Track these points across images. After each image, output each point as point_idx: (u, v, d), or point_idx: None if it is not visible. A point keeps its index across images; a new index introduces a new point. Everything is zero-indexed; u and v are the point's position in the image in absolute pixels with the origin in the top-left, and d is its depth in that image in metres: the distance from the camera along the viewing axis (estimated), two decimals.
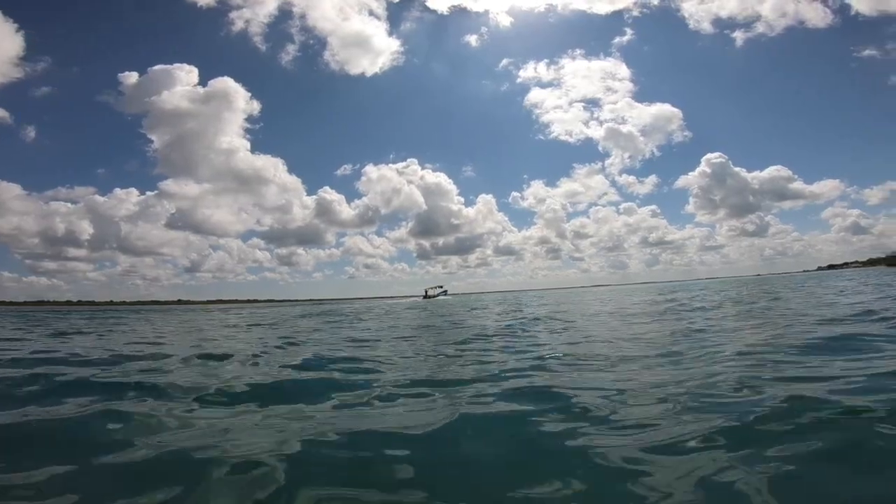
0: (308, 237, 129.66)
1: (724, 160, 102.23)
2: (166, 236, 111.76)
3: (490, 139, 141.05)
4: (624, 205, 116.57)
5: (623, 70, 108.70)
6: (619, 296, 29.14)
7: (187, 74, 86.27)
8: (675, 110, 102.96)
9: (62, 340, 10.56)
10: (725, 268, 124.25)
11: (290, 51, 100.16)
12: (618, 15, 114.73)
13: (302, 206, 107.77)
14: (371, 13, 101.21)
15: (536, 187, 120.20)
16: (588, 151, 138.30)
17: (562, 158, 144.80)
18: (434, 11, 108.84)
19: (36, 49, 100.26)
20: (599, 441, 2.69)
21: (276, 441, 2.82)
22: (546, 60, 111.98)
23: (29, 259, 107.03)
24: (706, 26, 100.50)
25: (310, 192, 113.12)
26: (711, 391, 3.51)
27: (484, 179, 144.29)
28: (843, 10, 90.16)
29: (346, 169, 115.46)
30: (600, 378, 4.36)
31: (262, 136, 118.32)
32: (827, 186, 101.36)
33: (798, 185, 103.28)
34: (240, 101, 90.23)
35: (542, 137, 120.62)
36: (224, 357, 6.47)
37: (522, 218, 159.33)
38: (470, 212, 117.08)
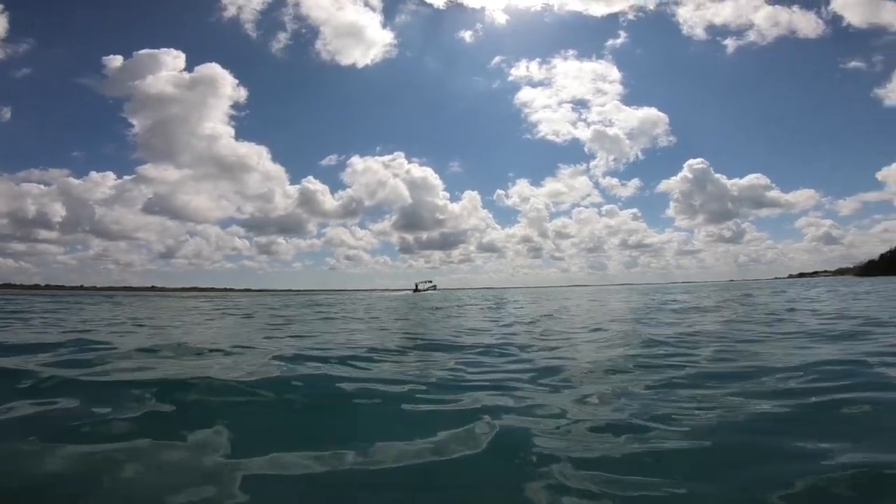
0: (289, 226, 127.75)
1: (705, 166, 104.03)
2: (142, 221, 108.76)
3: (478, 136, 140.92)
4: (606, 207, 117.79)
5: (614, 72, 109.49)
6: (611, 297, 29.03)
7: (174, 59, 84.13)
8: (662, 115, 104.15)
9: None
10: (701, 272, 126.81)
11: (282, 39, 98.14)
12: (613, 18, 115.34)
13: (284, 195, 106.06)
14: (366, 4, 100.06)
15: (521, 186, 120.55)
16: (574, 152, 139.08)
17: (548, 158, 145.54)
18: (430, 6, 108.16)
19: (20, 31, 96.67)
20: None
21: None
22: (538, 60, 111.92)
23: None
24: (699, 32, 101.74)
25: (293, 181, 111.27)
26: None
27: (470, 176, 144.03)
28: (834, 22, 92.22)
29: (331, 159, 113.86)
30: None
31: (247, 123, 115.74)
32: (803, 196, 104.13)
33: (775, 193, 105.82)
34: (226, 87, 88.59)
35: (529, 136, 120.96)
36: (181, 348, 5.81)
37: (506, 216, 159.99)
38: (455, 207, 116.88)
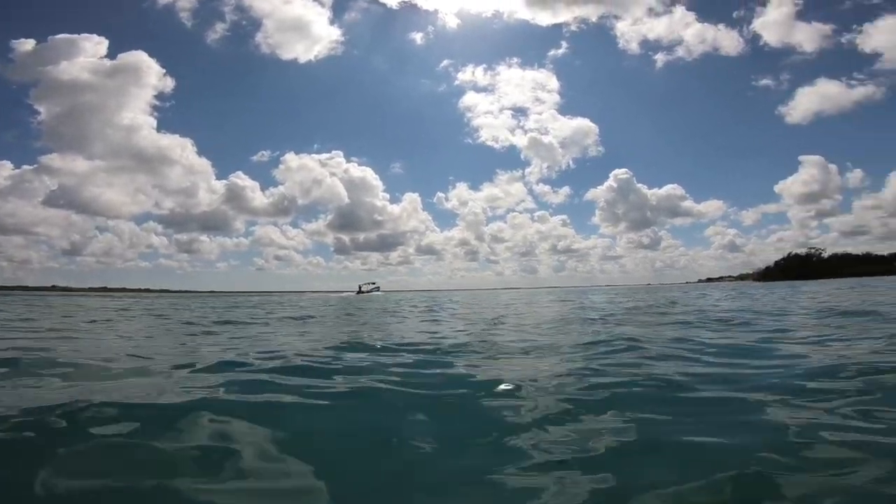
0: (214, 224, 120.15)
1: (629, 176, 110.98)
2: (42, 214, 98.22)
3: (421, 138, 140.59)
4: (538, 213, 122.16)
5: (553, 82, 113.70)
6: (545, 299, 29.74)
7: (95, 46, 77.86)
8: (593, 125, 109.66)
9: None
10: (622, 277, 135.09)
11: (219, 29, 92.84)
12: (557, 28, 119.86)
13: (209, 191, 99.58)
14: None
15: (461, 189, 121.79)
16: (511, 159, 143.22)
17: (487, 163, 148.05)
18: (383, 5, 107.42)
19: None
20: None
21: None
22: (484, 65, 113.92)
23: None
24: (634, 46, 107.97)
25: (220, 176, 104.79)
26: None
27: (411, 178, 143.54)
28: (753, 40, 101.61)
29: (263, 155, 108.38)
30: None
31: (171, 114, 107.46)
32: (712, 206, 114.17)
33: (689, 203, 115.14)
34: (151, 76, 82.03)
35: (470, 141, 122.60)
36: None
37: (445, 219, 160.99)
38: (395, 209, 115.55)
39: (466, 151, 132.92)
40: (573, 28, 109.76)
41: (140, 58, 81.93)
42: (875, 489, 1.74)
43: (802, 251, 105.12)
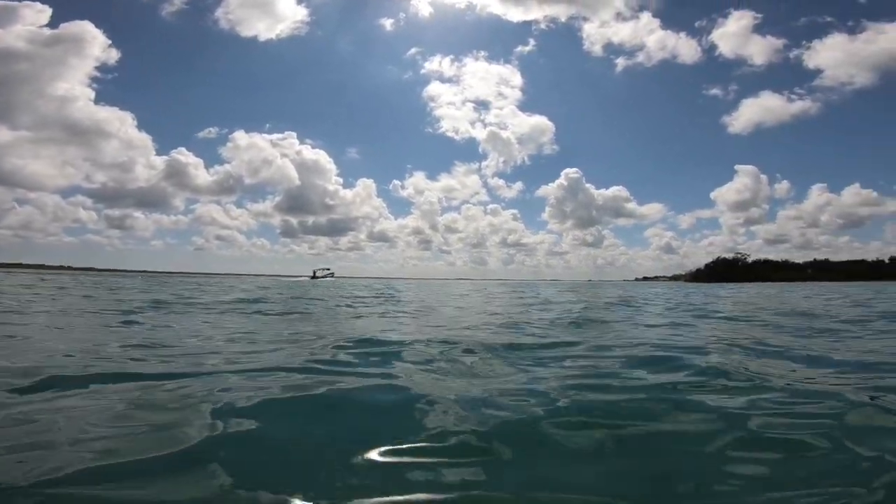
0: (150, 200, 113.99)
1: (578, 176, 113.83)
2: None
3: (381, 125, 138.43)
4: (491, 206, 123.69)
5: (517, 78, 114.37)
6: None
7: (36, 14, 75.08)
8: (550, 124, 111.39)
9: None
10: (566, 272, 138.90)
11: (177, 2, 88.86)
12: (527, 25, 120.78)
13: (148, 166, 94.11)
14: None
15: (418, 178, 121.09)
16: (469, 151, 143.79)
17: (445, 154, 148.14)
18: None
19: None
20: None
21: None
22: (452, 56, 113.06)
23: None
24: (597, 49, 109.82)
25: (161, 151, 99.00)
26: None
27: (367, 163, 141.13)
28: (710, 50, 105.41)
29: (210, 132, 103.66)
30: None
31: (113, 87, 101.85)
32: (654, 209, 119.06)
33: (632, 205, 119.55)
34: (94, 48, 76.99)
35: (430, 130, 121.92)
36: None
37: (400, 206, 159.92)
38: (348, 194, 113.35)
39: (426, 141, 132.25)
40: (542, 26, 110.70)
41: (84, 28, 78.94)
42: None
43: (730, 256, 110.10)
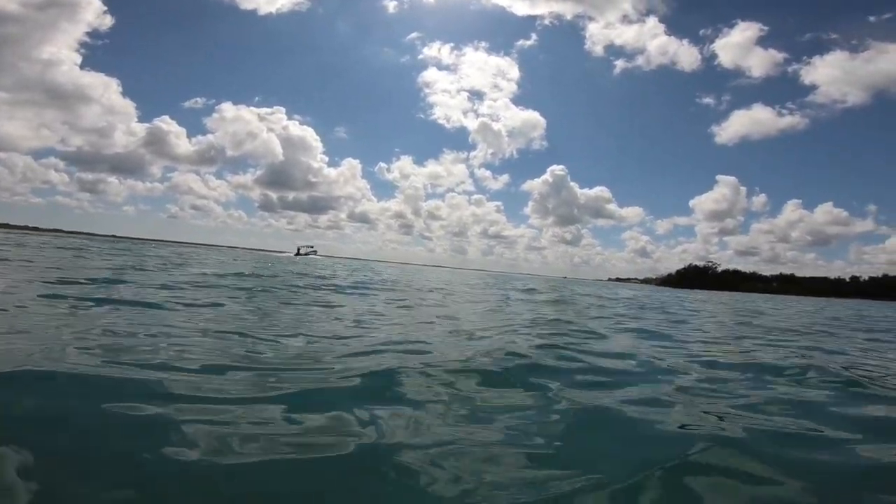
0: (126, 166, 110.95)
1: (564, 173, 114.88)
2: None
3: (372, 106, 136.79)
4: (476, 196, 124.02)
5: (514, 72, 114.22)
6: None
7: None
8: (542, 119, 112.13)
9: None
10: (543, 267, 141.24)
11: None
12: (531, 20, 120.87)
13: (128, 133, 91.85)
14: None
15: (405, 162, 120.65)
16: (459, 140, 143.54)
17: (435, 140, 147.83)
18: None
19: None
20: None
21: None
22: (452, 44, 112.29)
23: None
24: (598, 49, 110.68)
25: (144, 119, 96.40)
26: None
27: (355, 144, 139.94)
28: (709, 59, 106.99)
29: (197, 102, 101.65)
30: None
31: (101, 53, 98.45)
32: (633, 212, 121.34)
33: (613, 206, 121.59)
34: (88, 13, 74.49)
35: (422, 116, 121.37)
36: None
37: (384, 189, 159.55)
38: (332, 172, 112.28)
39: (417, 126, 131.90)
40: (546, 22, 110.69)
41: None
42: None
43: (701, 263, 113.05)
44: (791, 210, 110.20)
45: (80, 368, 2.47)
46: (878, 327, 11.30)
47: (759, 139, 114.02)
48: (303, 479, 1.60)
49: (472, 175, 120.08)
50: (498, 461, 1.83)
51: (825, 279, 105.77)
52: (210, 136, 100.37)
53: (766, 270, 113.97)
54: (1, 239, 26.09)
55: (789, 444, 2.17)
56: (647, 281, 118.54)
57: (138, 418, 1.94)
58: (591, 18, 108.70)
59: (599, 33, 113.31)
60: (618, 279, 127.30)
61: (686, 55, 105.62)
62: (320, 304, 7.44)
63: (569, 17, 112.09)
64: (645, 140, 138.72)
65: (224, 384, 2.51)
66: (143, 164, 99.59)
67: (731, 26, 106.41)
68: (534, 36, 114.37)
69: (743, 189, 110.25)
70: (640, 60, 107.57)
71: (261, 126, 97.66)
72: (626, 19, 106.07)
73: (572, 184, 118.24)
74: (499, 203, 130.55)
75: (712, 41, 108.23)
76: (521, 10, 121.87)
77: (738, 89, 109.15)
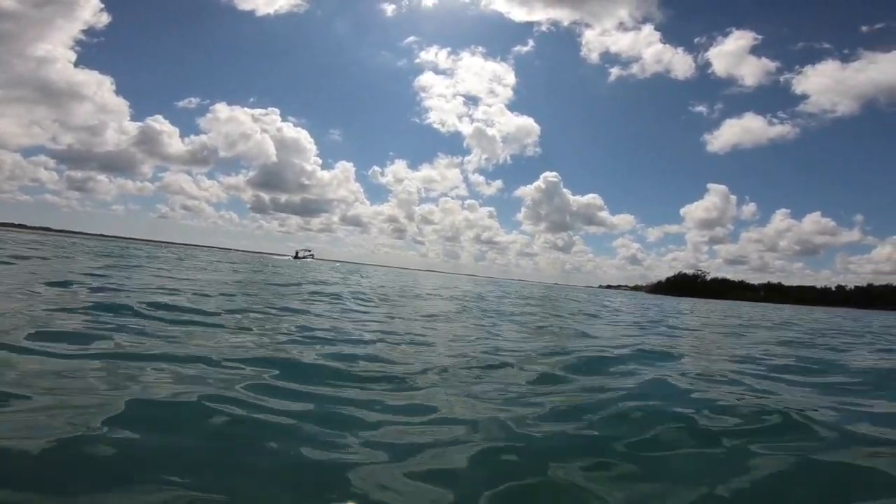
0: (117, 165, 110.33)
1: (557, 180, 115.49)
2: None
3: (368, 109, 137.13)
4: (469, 201, 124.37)
5: (511, 77, 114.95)
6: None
7: None
8: (536, 126, 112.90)
9: None
10: (534, 273, 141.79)
11: None
12: (528, 26, 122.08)
13: (119, 131, 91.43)
14: None
15: (399, 166, 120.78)
16: (454, 144, 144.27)
17: (429, 145, 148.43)
18: None
19: None
20: None
21: None
22: (449, 49, 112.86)
23: None
24: (594, 56, 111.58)
25: (137, 118, 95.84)
26: None
27: (349, 147, 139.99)
28: (704, 67, 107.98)
29: (191, 102, 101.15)
30: None
31: (97, 51, 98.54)
32: (624, 220, 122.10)
33: (605, 214, 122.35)
34: (85, 11, 74.68)
35: (417, 120, 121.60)
36: None
37: (378, 193, 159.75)
38: (325, 175, 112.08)
39: (412, 130, 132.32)
40: (543, 29, 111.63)
41: None
42: None
43: (691, 272, 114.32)
44: (780, 219, 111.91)
45: None
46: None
47: (750, 148, 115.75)
48: None
49: (465, 180, 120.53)
50: None
51: (812, 288, 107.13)
52: (203, 137, 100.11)
53: (755, 279, 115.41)
54: None
55: None
56: (636, 288, 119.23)
57: None
58: (587, 25, 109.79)
59: (596, 40, 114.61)
60: (608, 286, 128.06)
61: (680, 63, 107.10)
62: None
63: (566, 23, 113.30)
64: (638, 148, 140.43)
65: None
66: (135, 163, 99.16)
67: (726, 35, 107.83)
68: (531, 42, 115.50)
69: (733, 198, 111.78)
70: (635, 68, 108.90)
71: (255, 127, 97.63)
72: (622, 27, 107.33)
73: (565, 190, 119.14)
74: (492, 209, 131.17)
75: (706, 49, 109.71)
76: (519, 16, 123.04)
77: (731, 98, 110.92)
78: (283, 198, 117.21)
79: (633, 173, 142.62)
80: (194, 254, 34.20)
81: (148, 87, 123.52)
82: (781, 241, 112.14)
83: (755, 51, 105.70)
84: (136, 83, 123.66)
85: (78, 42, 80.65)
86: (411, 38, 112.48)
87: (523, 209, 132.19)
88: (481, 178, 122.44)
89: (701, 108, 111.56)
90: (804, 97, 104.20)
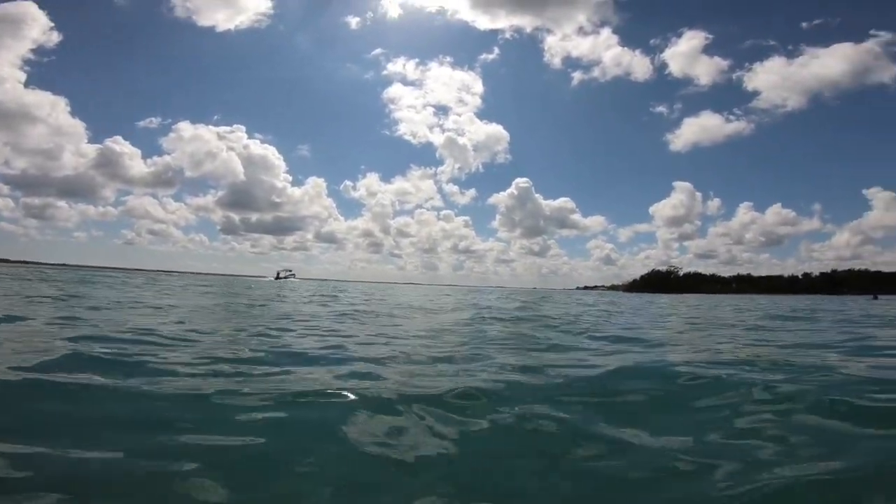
0: (77, 189, 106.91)
1: (529, 185, 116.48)
2: None
3: (336, 123, 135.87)
4: (444, 212, 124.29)
5: (478, 86, 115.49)
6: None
7: None
8: (505, 133, 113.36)
9: None
10: (512, 279, 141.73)
11: None
12: (493, 34, 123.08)
13: (77, 154, 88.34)
14: None
15: (371, 180, 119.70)
16: (426, 155, 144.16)
17: (401, 157, 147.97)
18: None
19: None
20: None
21: None
22: (417, 60, 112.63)
23: None
24: (556, 62, 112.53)
25: (94, 139, 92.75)
26: None
27: (319, 162, 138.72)
28: (661, 68, 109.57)
29: (152, 122, 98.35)
30: None
31: (48, 70, 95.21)
32: (596, 222, 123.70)
33: (577, 216, 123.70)
34: (34, 29, 72.89)
35: (388, 133, 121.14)
36: None
37: (351, 208, 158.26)
38: (296, 192, 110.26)
39: (383, 143, 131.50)
40: (507, 36, 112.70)
41: (25, 8, 75.76)
42: None
43: (664, 268, 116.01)
44: (744, 212, 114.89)
45: None
46: None
47: (709, 145, 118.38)
48: None
49: (440, 190, 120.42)
50: None
51: (780, 277, 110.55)
52: (167, 157, 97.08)
53: (725, 272, 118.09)
54: None
55: None
56: (613, 287, 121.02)
57: None
58: (549, 31, 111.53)
59: (557, 45, 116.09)
60: (586, 287, 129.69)
61: (639, 65, 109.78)
62: None
63: (528, 30, 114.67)
64: (604, 150, 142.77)
65: None
66: (95, 187, 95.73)
67: (679, 35, 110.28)
68: (496, 49, 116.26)
69: (698, 194, 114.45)
70: (596, 72, 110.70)
71: (220, 145, 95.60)
72: (581, 31, 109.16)
73: (537, 195, 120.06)
74: (467, 218, 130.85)
75: (662, 51, 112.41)
76: (484, 24, 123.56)
77: (688, 97, 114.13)
78: (254, 217, 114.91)
79: (602, 175, 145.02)
80: (159, 279, 32.92)
81: (105, 107, 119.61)
82: (747, 233, 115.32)
83: (707, 50, 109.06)
84: (93, 103, 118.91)
85: (27, 62, 77.95)
86: (378, 51, 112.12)
87: (498, 216, 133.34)
88: (455, 188, 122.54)
89: (661, 109, 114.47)
90: (756, 93, 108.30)
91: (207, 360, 3.66)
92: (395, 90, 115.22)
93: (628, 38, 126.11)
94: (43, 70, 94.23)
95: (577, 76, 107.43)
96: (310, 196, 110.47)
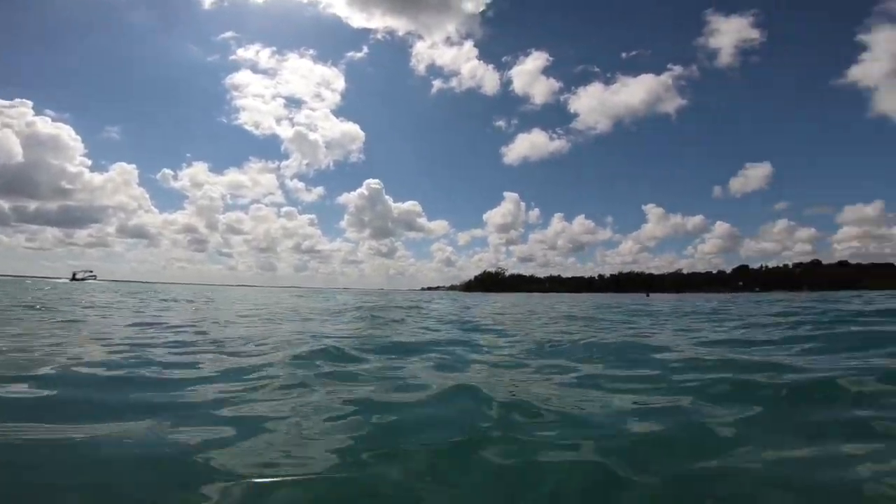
0: None
1: (380, 187, 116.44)
2: None
3: (161, 105, 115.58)
4: (286, 208, 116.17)
5: (340, 83, 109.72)
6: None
7: None
8: (362, 133, 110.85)
9: None
10: (360, 280, 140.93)
11: None
12: (365, 32, 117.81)
13: None
14: None
15: (198, 169, 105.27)
16: (270, 148, 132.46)
17: (239, 148, 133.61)
18: None
19: None
20: None
21: None
22: (274, 48, 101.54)
23: None
24: (421, 68, 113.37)
25: None
26: None
27: (131, 146, 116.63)
28: (506, 85, 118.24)
29: None
30: None
31: None
32: (440, 225, 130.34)
33: (423, 220, 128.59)
34: None
35: (225, 120, 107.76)
36: None
37: (169, 199, 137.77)
38: (95, 178, 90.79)
39: (218, 131, 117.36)
40: (379, 36, 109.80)
41: None
42: None
43: (493, 270, 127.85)
44: (557, 222, 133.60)
45: None
46: None
47: (535, 160, 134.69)
48: None
49: (282, 186, 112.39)
50: None
51: (582, 278, 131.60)
52: None
53: (541, 273, 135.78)
54: None
55: None
56: (453, 288, 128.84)
57: None
58: (420, 37, 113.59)
59: (425, 52, 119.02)
60: (429, 288, 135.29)
61: (490, 80, 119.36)
62: None
63: (401, 33, 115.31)
64: (452, 158, 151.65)
65: None
66: None
67: (528, 55, 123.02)
68: (365, 48, 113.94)
69: (523, 204, 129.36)
70: (454, 82, 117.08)
71: None
72: (448, 41, 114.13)
73: (387, 197, 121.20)
74: (312, 216, 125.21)
75: (511, 68, 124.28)
76: (358, 21, 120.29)
77: (524, 114, 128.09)
78: (33, 206, 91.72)
79: (448, 182, 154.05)
80: None
81: None
82: (559, 240, 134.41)
83: (546, 71, 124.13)
84: None
85: None
86: (229, 34, 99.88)
87: (347, 216, 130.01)
88: (301, 185, 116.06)
89: (500, 123, 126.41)
90: (576, 115, 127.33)
91: None
92: (241, 77, 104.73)
93: (486, 52, 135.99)
94: None
95: (437, 84, 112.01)
96: (115, 184, 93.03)
